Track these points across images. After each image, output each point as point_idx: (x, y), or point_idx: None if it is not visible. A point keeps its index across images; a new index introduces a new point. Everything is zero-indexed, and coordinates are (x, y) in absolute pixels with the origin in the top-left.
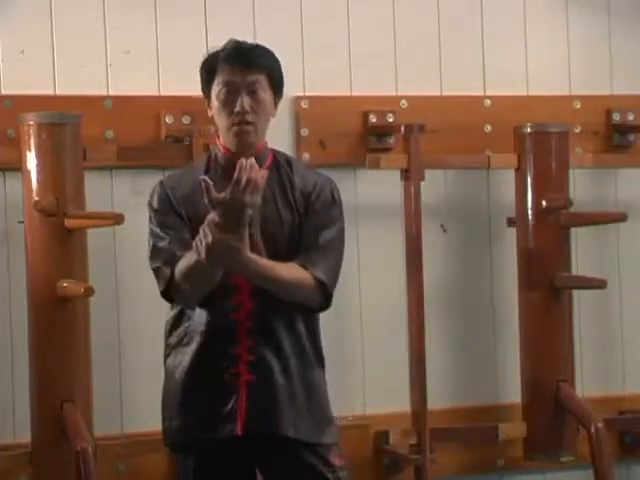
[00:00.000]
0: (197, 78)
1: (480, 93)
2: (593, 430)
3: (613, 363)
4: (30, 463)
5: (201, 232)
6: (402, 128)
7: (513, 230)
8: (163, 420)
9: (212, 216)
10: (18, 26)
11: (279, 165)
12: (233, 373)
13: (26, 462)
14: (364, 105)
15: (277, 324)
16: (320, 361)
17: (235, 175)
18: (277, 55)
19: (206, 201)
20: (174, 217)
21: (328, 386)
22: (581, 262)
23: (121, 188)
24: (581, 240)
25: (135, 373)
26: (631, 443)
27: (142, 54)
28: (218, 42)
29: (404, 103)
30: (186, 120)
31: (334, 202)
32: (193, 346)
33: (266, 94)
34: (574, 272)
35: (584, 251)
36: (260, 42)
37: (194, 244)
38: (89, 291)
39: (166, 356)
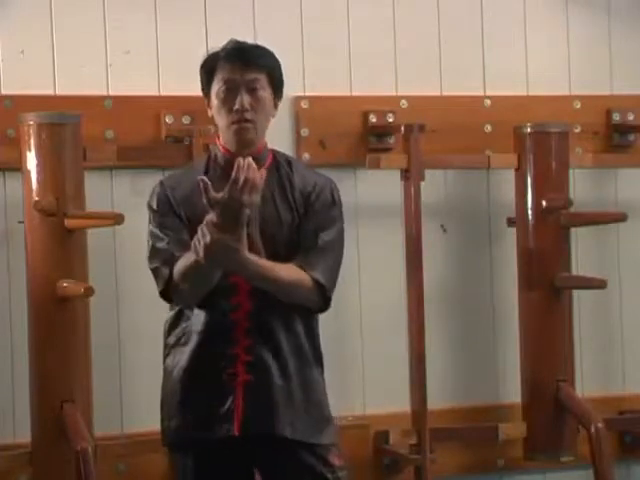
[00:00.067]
0: (197, 78)
1: (480, 93)
2: (593, 430)
3: (613, 363)
4: (30, 463)
5: (199, 232)
6: (402, 128)
7: (513, 230)
8: (162, 420)
9: (210, 216)
10: (18, 26)
11: (279, 165)
12: (230, 373)
13: (26, 462)
14: (364, 105)
15: (275, 324)
16: (319, 361)
17: (233, 175)
18: (277, 55)
19: (204, 201)
20: (173, 218)
21: (328, 386)
22: (581, 262)
23: (121, 188)
24: (581, 240)
25: (135, 373)
26: (631, 443)
27: (142, 54)
28: (218, 42)
29: (404, 103)
30: (186, 120)
31: (334, 203)
32: (191, 346)
33: (266, 93)
34: (574, 272)
35: (584, 251)
36: (260, 42)
37: (192, 244)
38: (89, 291)
39: (165, 356)
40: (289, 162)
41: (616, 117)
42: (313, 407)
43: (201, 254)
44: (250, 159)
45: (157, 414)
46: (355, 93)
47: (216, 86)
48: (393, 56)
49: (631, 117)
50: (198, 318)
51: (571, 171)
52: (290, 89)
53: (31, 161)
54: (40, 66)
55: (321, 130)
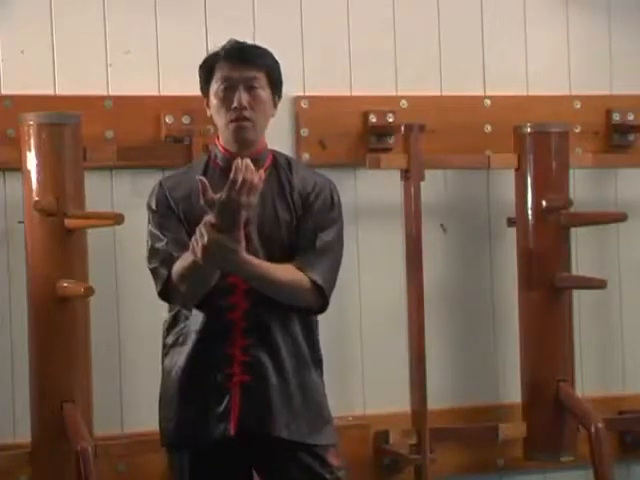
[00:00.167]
0: (197, 78)
1: (480, 93)
2: (593, 430)
3: (613, 363)
4: (30, 463)
5: (197, 233)
6: (402, 128)
7: (513, 230)
8: (160, 420)
9: (209, 217)
10: (18, 26)
11: (278, 166)
12: (227, 373)
13: (26, 462)
14: (364, 105)
15: (272, 324)
16: (317, 361)
17: (231, 175)
18: (277, 55)
19: (202, 201)
20: (172, 218)
21: (328, 386)
22: (581, 262)
23: (121, 188)
24: (581, 240)
25: (135, 373)
26: (631, 443)
27: (142, 54)
28: (218, 42)
29: (404, 103)
30: (186, 120)
31: (333, 204)
32: (188, 346)
33: (264, 92)
34: (574, 272)
35: (584, 251)
36: (260, 42)
37: (191, 245)
38: (89, 291)
39: (164, 356)
40: (289, 162)
41: (616, 117)
42: (311, 408)
43: (199, 255)
44: (248, 160)
45: (157, 414)
46: (355, 93)
47: (215, 85)
48: (393, 56)
49: (631, 117)
50: (196, 318)
51: (571, 171)
52: (290, 89)
53: (31, 161)
54: (40, 66)
55: (321, 130)
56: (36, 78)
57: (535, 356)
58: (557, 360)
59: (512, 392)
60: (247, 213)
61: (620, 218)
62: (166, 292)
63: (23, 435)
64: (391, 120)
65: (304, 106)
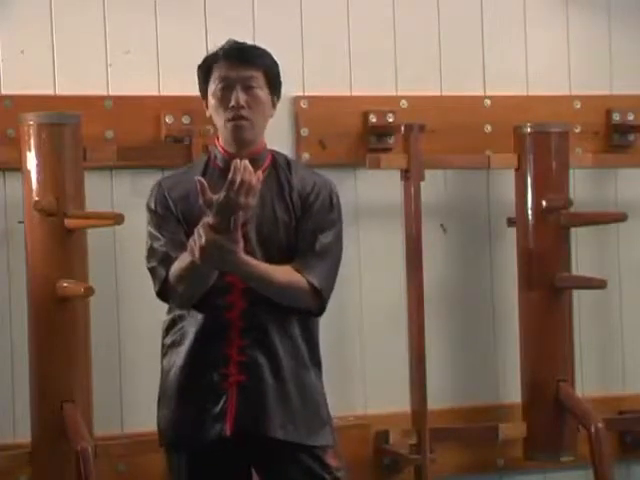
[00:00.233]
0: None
1: (480, 93)
2: (593, 430)
3: (613, 363)
4: (30, 463)
5: (196, 233)
6: (402, 128)
7: (513, 230)
8: (158, 420)
9: (207, 218)
10: (18, 26)
11: (278, 166)
12: (223, 373)
13: (26, 462)
14: (364, 105)
15: (270, 325)
16: (316, 362)
17: (229, 176)
18: (277, 55)
19: (200, 202)
20: (171, 218)
21: (328, 386)
22: (581, 262)
23: (121, 188)
24: (581, 240)
25: (135, 373)
26: (631, 443)
27: (142, 54)
28: (218, 42)
29: (404, 103)
30: (186, 120)
31: (332, 205)
32: (186, 346)
33: (262, 92)
34: (574, 272)
35: (584, 251)
36: (260, 42)
37: (189, 245)
38: (89, 291)
39: (162, 356)
40: (288, 163)
41: (616, 117)
42: (309, 409)
43: (197, 255)
44: (247, 161)
45: (156, 414)
46: (355, 93)
47: (213, 85)
48: (393, 56)
49: (631, 117)
50: (194, 318)
51: (571, 171)
52: (290, 89)
53: (31, 161)
54: (40, 66)
55: (321, 130)
56: (36, 78)
57: (535, 356)
58: (557, 360)
59: (512, 392)
60: (245, 214)
61: (620, 218)
62: (164, 292)
63: (23, 435)
64: (391, 120)
65: (304, 106)
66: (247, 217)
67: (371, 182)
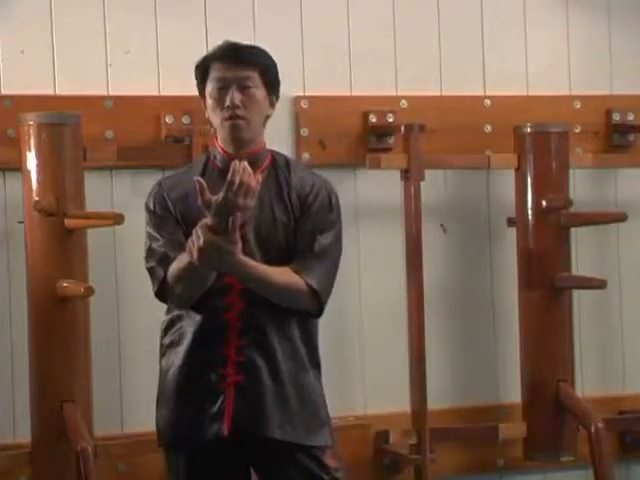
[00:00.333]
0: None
1: (480, 93)
2: (593, 430)
3: (613, 363)
4: (30, 463)
5: (194, 234)
6: (402, 128)
7: (513, 230)
8: (156, 420)
9: (206, 219)
10: (18, 26)
11: (277, 166)
12: (221, 374)
13: (26, 462)
14: (364, 105)
15: (268, 325)
16: (315, 364)
17: (228, 177)
18: (277, 55)
19: (199, 202)
20: (169, 219)
21: (328, 386)
22: (581, 262)
23: (121, 188)
24: (581, 240)
25: (135, 373)
26: (631, 443)
27: (142, 54)
28: (218, 42)
29: (404, 103)
30: (186, 120)
31: (331, 205)
32: (184, 346)
33: (258, 91)
34: (574, 272)
35: (584, 251)
36: (260, 42)
37: (187, 246)
38: (89, 291)
39: (161, 356)
40: (287, 163)
41: (616, 117)
42: (308, 409)
43: (195, 256)
44: (245, 163)
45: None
46: (355, 93)
47: (210, 86)
48: (393, 56)
49: (631, 117)
50: (193, 318)
51: (571, 171)
52: (290, 89)
53: (31, 161)
54: (40, 66)
55: (321, 130)
56: (36, 78)
57: (535, 356)
58: (557, 360)
59: (512, 392)
60: (244, 215)
61: (620, 218)
62: (162, 292)
63: (23, 435)
64: (391, 120)
65: (304, 106)
66: (245, 218)
67: (371, 182)
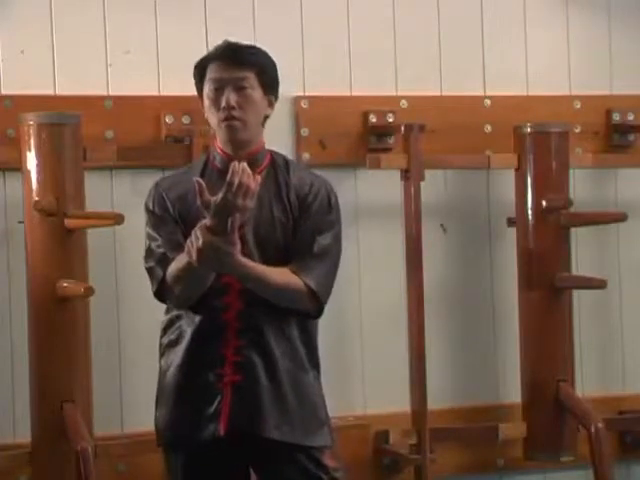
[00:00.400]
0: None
1: (480, 93)
2: (593, 430)
3: (613, 363)
4: (30, 463)
5: (193, 235)
6: (402, 128)
7: (513, 230)
8: (155, 420)
9: (205, 220)
10: (18, 26)
11: (276, 166)
12: (218, 374)
13: (26, 462)
14: (364, 105)
15: (266, 326)
16: (314, 364)
17: (227, 178)
18: (277, 54)
19: (198, 203)
20: (168, 219)
21: (328, 386)
22: (581, 262)
23: (121, 188)
24: (581, 240)
25: (135, 373)
26: (631, 443)
27: (142, 54)
28: (218, 42)
29: (404, 103)
30: (186, 120)
31: (331, 206)
32: (183, 346)
33: (255, 92)
34: (574, 272)
35: (584, 251)
36: (260, 42)
37: (186, 246)
38: (89, 291)
39: (160, 356)
40: (287, 163)
41: (616, 117)
42: (306, 409)
43: (194, 257)
44: (245, 164)
45: None
46: (355, 93)
47: (206, 86)
48: (393, 56)
49: (631, 117)
50: (191, 318)
51: (571, 171)
52: (290, 89)
53: (31, 161)
54: (40, 66)
55: (321, 130)
56: (36, 78)
57: (535, 356)
58: (557, 360)
59: (512, 392)
60: (243, 216)
61: (620, 218)
62: (161, 292)
63: (23, 435)
64: (391, 120)
65: (304, 106)
66: (244, 219)
67: (371, 182)
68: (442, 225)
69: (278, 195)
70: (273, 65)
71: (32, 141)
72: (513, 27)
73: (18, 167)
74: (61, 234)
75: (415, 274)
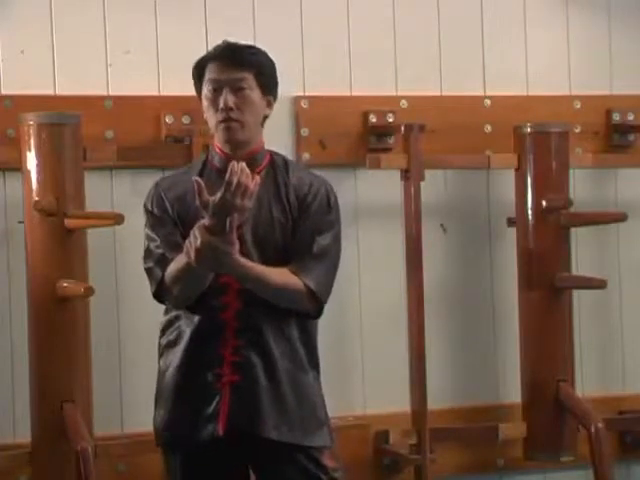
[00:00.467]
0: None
1: (480, 93)
2: (593, 430)
3: (613, 363)
4: (30, 463)
5: (191, 235)
6: (402, 128)
7: (513, 230)
8: (154, 420)
9: (203, 220)
10: (18, 26)
11: (276, 167)
12: (217, 374)
13: (26, 462)
14: (364, 105)
15: (265, 325)
16: (314, 364)
17: (226, 178)
18: (277, 54)
19: (197, 202)
20: (167, 219)
21: (328, 386)
22: (581, 262)
23: (121, 188)
24: (581, 240)
25: (135, 373)
26: (631, 443)
27: (142, 54)
28: (218, 42)
29: (404, 103)
30: (186, 120)
31: (330, 206)
32: (182, 346)
33: (253, 93)
34: (574, 272)
35: (584, 251)
36: (260, 42)
37: (185, 247)
38: (89, 291)
39: (159, 356)
40: (286, 163)
41: (616, 117)
42: (305, 410)
43: (192, 257)
44: (243, 164)
45: None
46: (355, 93)
47: (205, 87)
48: (393, 56)
49: (631, 117)
50: (190, 318)
51: (571, 171)
52: (290, 89)
53: (31, 161)
54: (40, 66)
55: (321, 130)
56: (36, 78)
57: (535, 356)
58: (557, 360)
59: (512, 392)
60: (241, 216)
61: (620, 218)
62: (160, 293)
63: (23, 435)
64: (391, 120)
65: (304, 106)
66: (243, 219)
67: (371, 182)
68: (442, 225)
69: (277, 195)
70: (272, 65)
71: (32, 141)
72: (513, 27)
73: (18, 167)
74: (61, 234)
75: (415, 274)
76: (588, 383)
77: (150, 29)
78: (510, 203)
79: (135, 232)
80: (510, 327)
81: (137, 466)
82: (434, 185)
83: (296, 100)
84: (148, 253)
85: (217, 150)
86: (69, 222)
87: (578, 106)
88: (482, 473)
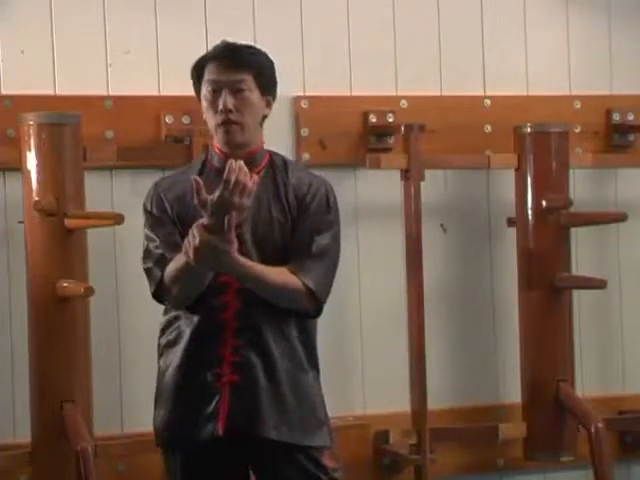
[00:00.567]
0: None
1: (480, 93)
2: (593, 430)
3: (613, 363)
4: (30, 463)
5: (190, 234)
6: (402, 128)
7: (513, 230)
8: (154, 420)
9: (202, 219)
10: (18, 26)
11: (275, 167)
12: (217, 373)
13: (26, 462)
14: (364, 105)
15: (264, 325)
16: (313, 364)
17: (224, 176)
18: (277, 54)
19: (195, 201)
20: (167, 220)
21: (328, 386)
22: (581, 262)
23: (121, 188)
24: (581, 240)
25: (135, 373)
26: (631, 443)
27: (142, 54)
28: (218, 42)
29: (404, 103)
30: (186, 120)
31: (329, 206)
32: (181, 346)
33: (253, 94)
34: (574, 272)
35: (584, 251)
36: (260, 42)
37: (183, 246)
38: (89, 291)
39: (159, 356)
40: (285, 163)
41: (616, 117)
42: (305, 410)
43: (191, 256)
44: (242, 162)
45: None
46: (355, 93)
47: (204, 88)
48: (393, 56)
49: (631, 117)
50: (190, 318)
51: (571, 171)
52: (290, 89)
53: (31, 161)
54: (40, 66)
55: (321, 130)
56: (36, 78)
57: (535, 356)
58: (557, 360)
59: (512, 392)
60: (240, 215)
61: (620, 218)
62: (159, 293)
63: (23, 435)
64: (391, 120)
65: (304, 106)
66: (242, 218)
67: (371, 182)
68: (442, 225)
69: (276, 195)
70: (271, 65)
71: (32, 141)
72: (513, 27)
73: (18, 167)
74: (61, 234)
75: (415, 274)
76: (588, 383)
77: (150, 29)
78: (510, 203)
79: (135, 232)
80: (510, 327)
81: (137, 466)
82: (434, 185)
83: (296, 100)
84: (147, 253)
85: (216, 150)
86: (69, 222)
87: (578, 106)
88: (482, 473)
